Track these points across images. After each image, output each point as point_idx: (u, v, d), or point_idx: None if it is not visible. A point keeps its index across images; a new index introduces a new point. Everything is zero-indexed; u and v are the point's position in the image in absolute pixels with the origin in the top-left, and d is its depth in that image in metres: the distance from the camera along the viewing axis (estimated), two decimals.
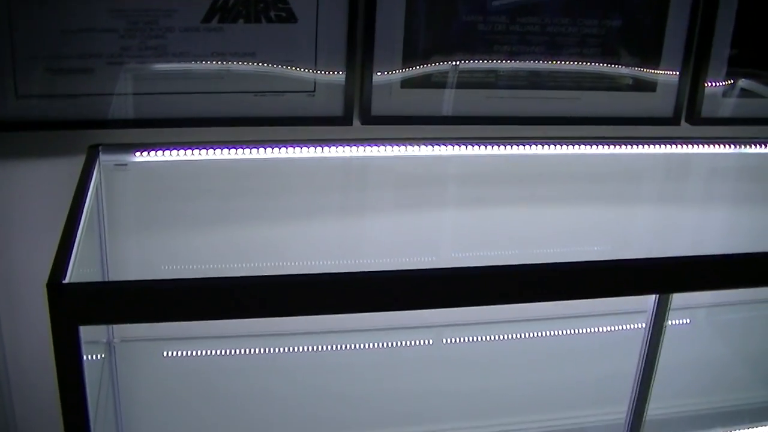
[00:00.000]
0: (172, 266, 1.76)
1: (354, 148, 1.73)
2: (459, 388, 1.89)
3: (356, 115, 1.74)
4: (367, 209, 1.90)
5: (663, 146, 1.87)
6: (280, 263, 1.80)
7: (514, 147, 1.83)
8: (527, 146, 1.84)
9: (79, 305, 1.05)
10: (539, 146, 1.84)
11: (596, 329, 2.03)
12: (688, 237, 1.98)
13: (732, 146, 1.90)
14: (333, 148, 1.72)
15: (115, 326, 1.71)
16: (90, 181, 1.42)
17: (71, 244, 1.15)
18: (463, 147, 1.78)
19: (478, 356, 1.95)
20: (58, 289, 1.04)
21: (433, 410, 1.87)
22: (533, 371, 1.98)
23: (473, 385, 1.90)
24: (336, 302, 1.13)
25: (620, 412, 1.77)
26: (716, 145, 1.90)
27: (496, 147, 1.82)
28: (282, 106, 1.71)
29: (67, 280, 1.06)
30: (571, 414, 1.96)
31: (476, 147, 1.80)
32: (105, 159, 1.59)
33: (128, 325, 1.64)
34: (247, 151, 1.67)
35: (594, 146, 1.85)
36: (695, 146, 1.88)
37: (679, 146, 1.88)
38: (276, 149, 1.68)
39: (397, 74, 1.76)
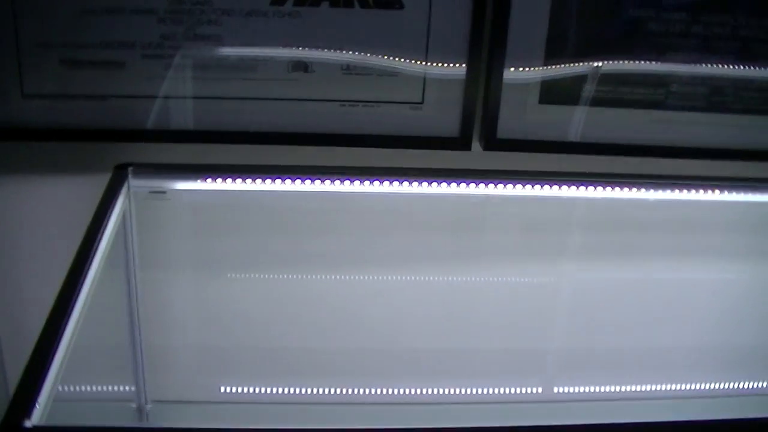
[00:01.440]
0: (214, 325, 1.64)
1: (472, 184, 1.49)
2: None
3: (477, 136, 1.49)
4: (485, 267, 1.69)
5: None
6: (357, 335, 1.68)
7: (685, 191, 1.55)
8: (701, 190, 1.55)
9: None
10: (718, 191, 1.56)
11: None
12: None
13: None
14: (443, 185, 1.49)
15: None
16: (110, 212, 1.25)
17: (52, 348, 0.94)
18: (621, 189, 1.54)
19: None
20: None
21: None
22: None
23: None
24: None
25: None
26: None
27: (664, 190, 1.55)
28: (378, 120, 1.47)
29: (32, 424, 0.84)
30: None
31: (638, 189, 1.54)
32: (136, 184, 1.41)
33: None
34: (326, 183, 1.46)
35: None
36: None
37: None
38: (366, 182, 1.46)
39: (535, 84, 1.47)
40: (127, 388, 1.65)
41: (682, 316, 1.76)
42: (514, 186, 1.51)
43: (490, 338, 1.74)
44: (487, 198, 1.55)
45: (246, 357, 1.72)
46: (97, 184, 1.35)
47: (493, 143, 1.51)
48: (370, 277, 1.67)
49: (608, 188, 1.53)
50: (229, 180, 1.44)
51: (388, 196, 1.49)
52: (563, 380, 1.80)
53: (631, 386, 1.84)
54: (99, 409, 1.65)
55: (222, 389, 1.74)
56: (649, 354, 1.82)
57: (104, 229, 1.19)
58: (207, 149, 1.46)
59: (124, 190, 1.36)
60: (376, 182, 1.47)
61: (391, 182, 1.48)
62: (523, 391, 1.78)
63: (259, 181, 1.45)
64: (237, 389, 1.74)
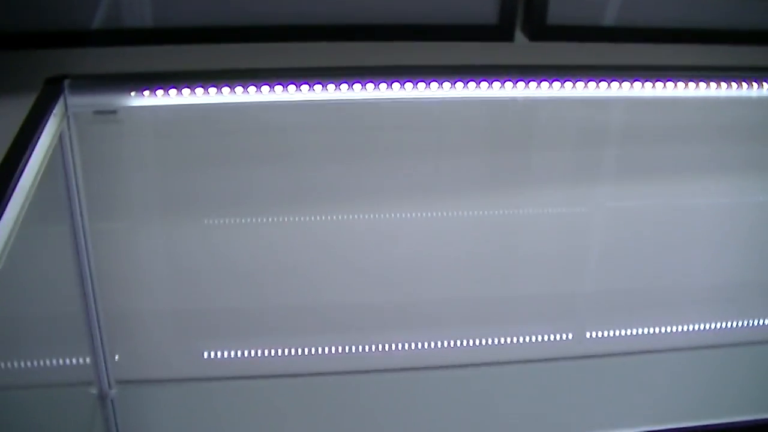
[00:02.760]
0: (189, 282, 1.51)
1: (517, 83, 1.33)
2: None
3: (521, 23, 1.36)
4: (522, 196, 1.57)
5: None
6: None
7: None
8: None
9: None
10: None
11: None
12: None
13: None
14: (482, 84, 1.31)
15: None
16: (37, 139, 1.09)
17: None
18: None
19: None
20: None
21: None
22: None
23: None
24: None
25: None
26: None
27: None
28: (392, 5, 1.30)
29: None
30: None
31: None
32: (76, 102, 1.24)
33: None
34: (328, 89, 1.25)
35: None
36: None
37: None
38: (376, 86, 1.26)
39: None
40: (82, 368, 1.48)
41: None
42: (565, 84, 1.35)
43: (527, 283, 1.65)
44: (532, 102, 1.45)
45: (232, 320, 1.57)
46: (21, 105, 1.19)
47: (541, 31, 1.37)
48: (379, 216, 1.58)
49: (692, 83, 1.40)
50: (200, 90, 1.24)
51: (405, 104, 1.36)
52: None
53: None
54: (48, 397, 1.48)
55: (205, 355, 1.59)
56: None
57: (28, 163, 1.04)
58: (169, 52, 1.30)
59: (58, 110, 1.20)
60: (393, 85, 1.29)
61: (409, 83, 1.30)
62: None
63: (240, 90, 1.26)
64: (221, 358, 1.60)
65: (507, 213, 1.62)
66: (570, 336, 1.69)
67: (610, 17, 1.40)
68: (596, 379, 1.75)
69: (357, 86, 1.28)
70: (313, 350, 1.60)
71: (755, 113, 1.58)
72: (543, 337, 1.71)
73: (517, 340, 1.70)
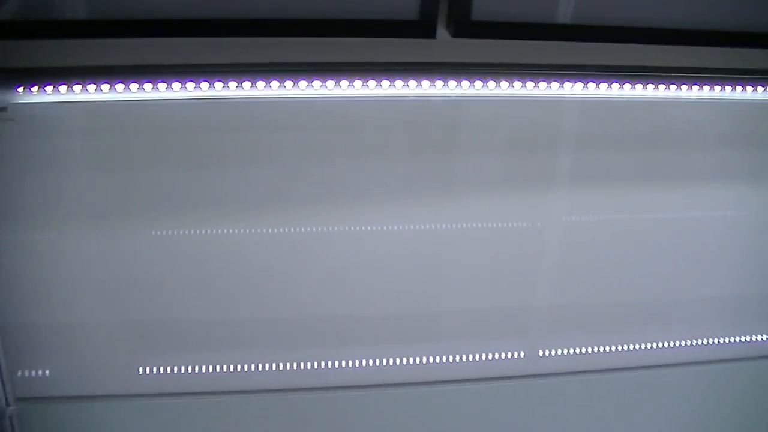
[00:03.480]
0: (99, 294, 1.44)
1: (438, 82, 1.30)
2: None
3: (443, 18, 1.31)
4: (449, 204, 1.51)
5: None
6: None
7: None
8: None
9: None
10: None
11: None
12: None
13: None
14: (397, 83, 1.27)
15: None
16: None
17: None
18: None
19: None
20: None
21: None
22: None
23: None
24: None
25: None
26: None
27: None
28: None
29: None
30: None
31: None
32: None
33: None
34: (243, 85, 1.21)
35: None
36: None
37: None
38: (288, 83, 1.22)
39: None
40: None
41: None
42: (488, 83, 1.33)
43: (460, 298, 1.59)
44: (456, 102, 1.39)
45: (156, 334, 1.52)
46: None
47: (465, 28, 1.31)
48: (289, 229, 1.51)
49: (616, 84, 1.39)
50: (106, 87, 1.19)
51: (326, 103, 1.31)
52: None
53: None
54: None
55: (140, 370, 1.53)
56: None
57: None
58: (60, 48, 1.22)
59: None
60: (313, 82, 1.24)
61: (317, 81, 1.26)
62: None
63: (149, 86, 1.20)
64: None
65: (447, 226, 1.56)
66: (522, 354, 1.64)
67: (537, 13, 1.36)
68: (549, 400, 1.69)
69: (261, 84, 1.22)
70: (240, 367, 1.55)
71: (697, 115, 1.53)
72: (494, 355, 1.64)
73: (467, 358, 1.65)
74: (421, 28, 1.29)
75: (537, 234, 1.65)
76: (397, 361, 1.64)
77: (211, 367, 1.59)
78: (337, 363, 1.63)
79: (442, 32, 1.33)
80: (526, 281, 1.67)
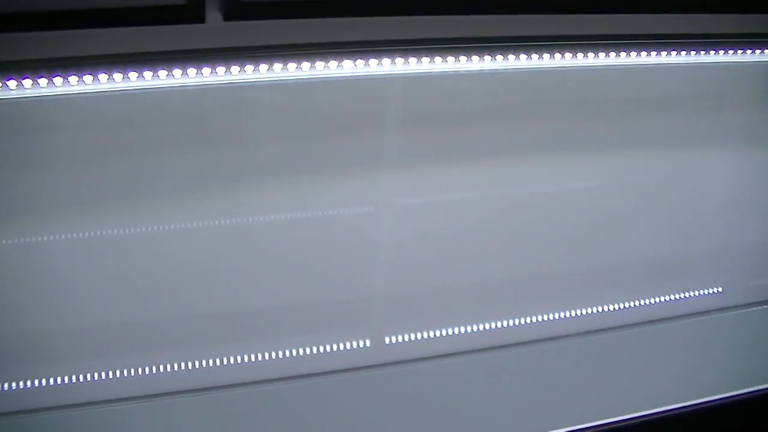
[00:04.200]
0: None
1: (205, 70, 1.26)
2: None
3: (213, 2, 1.25)
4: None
5: None
6: None
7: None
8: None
9: None
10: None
11: None
12: None
13: None
14: (160, 73, 1.24)
15: None
16: None
17: None
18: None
19: None
20: None
21: None
22: None
23: None
24: None
25: None
26: None
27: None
28: None
29: None
30: None
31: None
32: None
33: None
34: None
35: None
36: None
37: None
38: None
39: None
40: None
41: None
42: (271, 67, 1.29)
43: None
44: (238, 90, 1.35)
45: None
46: None
47: (237, 10, 1.26)
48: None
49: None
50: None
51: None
52: None
53: None
54: None
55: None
56: None
57: None
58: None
59: None
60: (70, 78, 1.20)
61: (88, 75, 1.21)
62: None
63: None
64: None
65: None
66: (368, 343, 1.63)
67: None
68: (397, 388, 1.67)
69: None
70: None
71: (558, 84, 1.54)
72: (337, 346, 1.63)
73: (310, 351, 1.62)
74: (189, 12, 1.23)
75: (371, 219, 1.61)
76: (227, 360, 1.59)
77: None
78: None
79: (213, 15, 1.27)
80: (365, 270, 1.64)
